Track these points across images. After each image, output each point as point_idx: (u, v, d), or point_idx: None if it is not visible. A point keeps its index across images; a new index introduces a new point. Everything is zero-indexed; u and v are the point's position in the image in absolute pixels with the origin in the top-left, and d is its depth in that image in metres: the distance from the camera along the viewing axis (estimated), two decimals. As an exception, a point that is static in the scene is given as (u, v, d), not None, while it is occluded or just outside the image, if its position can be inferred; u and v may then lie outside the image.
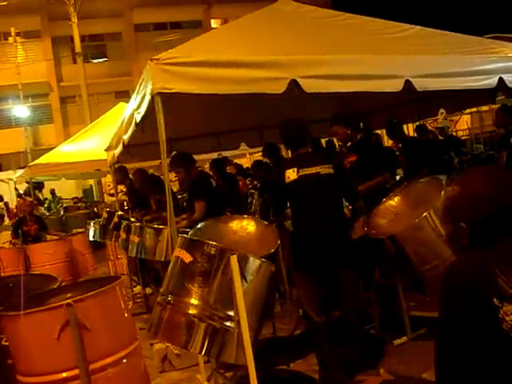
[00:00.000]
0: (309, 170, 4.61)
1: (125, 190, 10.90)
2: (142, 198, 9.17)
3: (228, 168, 11.29)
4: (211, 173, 9.41)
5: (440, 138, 12.28)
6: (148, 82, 4.70)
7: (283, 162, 4.92)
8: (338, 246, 4.58)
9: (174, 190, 7.38)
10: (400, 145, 8.49)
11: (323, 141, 10.19)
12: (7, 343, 3.48)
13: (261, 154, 9.36)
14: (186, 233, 5.13)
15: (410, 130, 14.82)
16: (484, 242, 1.72)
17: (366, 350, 4.76)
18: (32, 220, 11.25)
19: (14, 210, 18.67)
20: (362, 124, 6.93)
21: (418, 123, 10.56)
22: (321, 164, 4.66)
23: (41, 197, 20.94)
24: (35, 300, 3.70)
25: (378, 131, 10.27)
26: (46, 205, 21.10)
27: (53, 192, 22.16)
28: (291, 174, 4.62)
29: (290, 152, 5.09)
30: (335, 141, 9.31)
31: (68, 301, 3.26)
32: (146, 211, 8.92)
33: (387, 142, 11.87)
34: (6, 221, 18.36)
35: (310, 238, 4.60)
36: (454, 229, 1.80)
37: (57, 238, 11.59)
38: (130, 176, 9.92)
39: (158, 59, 4.57)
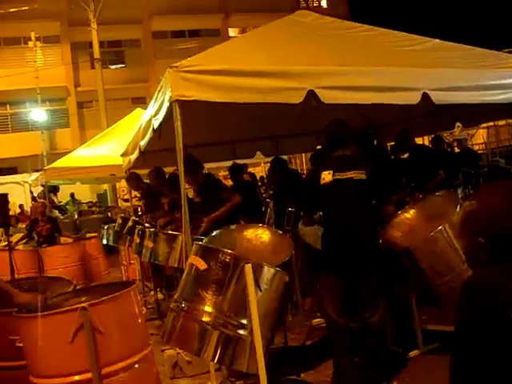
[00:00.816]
0: (343, 174, 4.66)
1: (139, 195, 10.94)
2: (157, 201, 9.19)
3: (244, 176, 11.30)
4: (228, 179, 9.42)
5: (457, 150, 12.22)
6: (167, 89, 4.74)
7: (322, 163, 4.98)
8: (364, 252, 4.62)
9: (190, 195, 7.39)
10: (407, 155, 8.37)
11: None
12: (21, 344, 3.50)
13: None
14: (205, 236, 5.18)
15: (425, 141, 14.80)
16: (503, 257, 1.72)
17: (382, 362, 4.75)
18: (44, 220, 11.35)
19: (28, 213, 18.82)
20: (375, 142, 6.92)
21: (429, 138, 10.51)
22: (354, 169, 4.69)
23: (55, 200, 21.07)
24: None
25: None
26: (62, 206, 21.23)
27: (72, 195, 22.33)
28: (326, 176, 4.69)
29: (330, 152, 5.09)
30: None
31: (83, 304, 3.28)
32: (159, 213, 8.92)
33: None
34: (20, 223, 18.46)
35: (338, 241, 4.67)
36: (472, 243, 1.80)
37: (70, 241, 11.67)
38: (145, 180, 9.95)
39: (178, 67, 4.62)
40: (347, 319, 4.69)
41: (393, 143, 8.69)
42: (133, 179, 9.72)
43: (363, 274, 4.62)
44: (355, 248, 4.57)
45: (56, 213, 19.64)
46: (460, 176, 8.59)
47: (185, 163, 6.76)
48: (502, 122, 17.85)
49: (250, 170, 16.50)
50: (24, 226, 15.81)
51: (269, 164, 9.22)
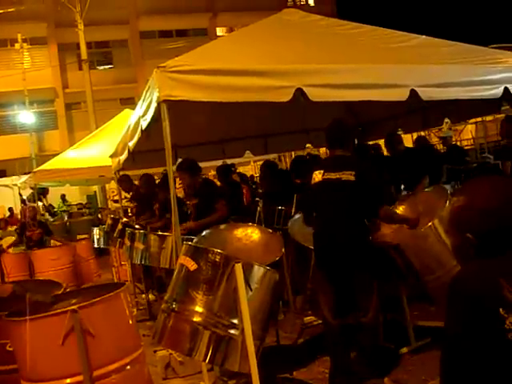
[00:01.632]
0: (332, 174, 4.71)
1: (129, 196, 10.93)
2: (149, 204, 9.20)
3: (233, 176, 11.29)
4: (216, 180, 9.43)
5: (443, 147, 12.26)
6: (154, 90, 4.72)
7: (318, 164, 5.06)
8: (352, 250, 4.63)
9: (180, 196, 7.41)
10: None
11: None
12: (12, 349, 3.48)
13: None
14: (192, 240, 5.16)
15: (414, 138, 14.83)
16: (490, 252, 1.72)
17: (375, 359, 4.76)
18: (35, 225, 11.29)
19: (18, 216, 18.73)
20: (356, 140, 6.95)
21: (417, 135, 10.55)
22: (344, 170, 4.70)
23: (45, 203, 21.00)
24: (40, 306, 3.70)
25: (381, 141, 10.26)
26: (53, 210, 21.17)
27: (63, 197, 22.26)
28: (317, 176, 4.79)
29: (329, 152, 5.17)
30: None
31: (73, 307, 3.27)
32: (151, 218, 8.93)
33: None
34: (9, 227, 18.40)
35: (327, 239, 4.72)
36: (460, 239, 1.80)
37: (60, 244, 11.63)
38: (136, 182, 9.95)
39: (165, 67, 4.59)
40: (341, 320, 4.70)
41: (382, 140, 8.71)
42: (124, 181, 9.73)
43: (353, 272, 4.62)
44: (342, 247, 4.59)
45: (46, 215, 19.59)
46: (444, 175, 8.61)
47: (187, 162, 6.84)
48: (489, 118, 17.91)
49: (240, 169, 16.51)
50: (13, 229, 15.75)
51: (258, 162, 9.24)
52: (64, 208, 21.75)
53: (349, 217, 4.68)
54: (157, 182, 9.89)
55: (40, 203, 20.15)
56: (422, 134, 12.25)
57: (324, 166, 4.86)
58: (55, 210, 21.42)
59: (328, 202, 4.73)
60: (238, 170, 16.12)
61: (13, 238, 13.18)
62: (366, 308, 4.70)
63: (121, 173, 9.46)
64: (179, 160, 7.02)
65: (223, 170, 9.75)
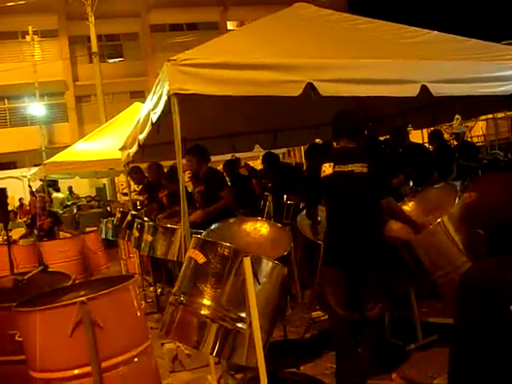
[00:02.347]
0: (344, 167, 4.63)
1: (138, 189, 10.95)
2: (157, 194, 9.24)
3: (240, 170, 11.32)
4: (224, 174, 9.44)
5: (455, 143, 12.20)
6: (165, 83, 4.72)
7: (324, 155, 4.95)
8: (366, 244, 4.61)
9: (189, 189, 7.42)
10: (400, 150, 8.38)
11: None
12: (21, 339, 3.50)
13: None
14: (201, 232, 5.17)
15: (424, 134, 14.76)
16: (501, 249, 1.71)
17: (381, 354, 4.76)
18: (45, 214, 11.38)
19: (27, 208, 18.82)
20: (366, 132, 6.92)
21: (432, 129, 10.49)
22: (356, 162, 4.65)
23: (55, 195, 21.09)
24: (49, 297, 3.73)
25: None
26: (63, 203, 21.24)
27: (70, 189, 22.34)
28: (327, 169, 4.66)
29: (334, 142, 5.11)
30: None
31: (82, 298, 3.28)
32: (159, 210, 8.97)
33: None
34: (19, 218, 18.48)
35: (340, 233, 4.66)
36: (471, 236, 1.80)
37: (69, 236, 11.69)
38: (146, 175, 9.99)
39: (176, 60, 4.59)
40: (350, 312, 4.68)
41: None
42: (135, 173, 9.74)
43: (365, 266, 4.61)
44: (355, 240, 4.56)
45: (55, 207, 19.66)
46: (454, 170, 8.57)
47: (197, 146, 6.86)
48: (501, 115, 17.83)
49: (250, 163, 16.51)
50: (23, 220, 15.84)
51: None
52: (72, 201, 21.82)
53: (363, 210, 4.65)
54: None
55: (56, 194, 20.26)
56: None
57: (334, 158, 4.73)
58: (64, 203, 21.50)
59: (341, 196, 4.66)
60: (248, 164, 16.17)
61: (23, 230, 13.28)
62: (373, 303, 4.69)
63: (130, 165, 9.48)
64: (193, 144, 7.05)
65: (230, 163, 9.77)
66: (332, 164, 4.67)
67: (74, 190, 22.78)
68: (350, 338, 4.65)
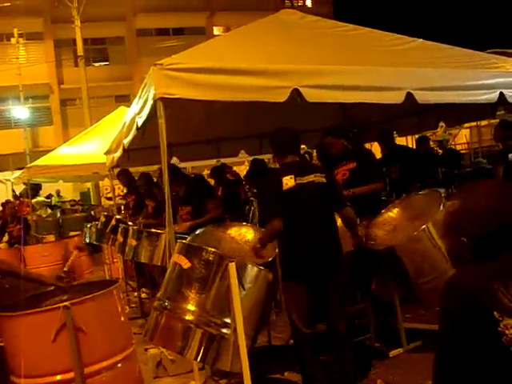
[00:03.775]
0: (305, 178, 4.56)
1: (122, 194, 10.91)
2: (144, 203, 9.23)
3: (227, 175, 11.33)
4: (211, 180, 9.45)
5: (439, 150, 12.31)
6: (150, 87, 4.71)
7: (279, 170, 4.83)
8: (331, 255, 4.54)
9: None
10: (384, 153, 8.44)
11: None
12: (2, 344, 3.46)
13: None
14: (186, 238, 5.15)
15: (408, 142, 14.85)
16: (485, 256, 1.73)
17: (359, 362, 4.75)
18: (14, 221, 11.31)
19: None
20: (351, 135, 6.97)
21: (418, 135, 10.56)
22: (315, 172, 4.64)
23: (34, 200, 20.97)
24: (32, 301, 3.69)
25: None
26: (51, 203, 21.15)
27: (58, 192, 22.22)
28: (289, 181, 4.54)
29: (277, 160, 5.01)
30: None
31: (65, 303, 3.26)
32: (147, 218, 8.94)
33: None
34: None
35: (304, 246, 4.49)
36: (455, 243, 1.81)
37: (53, 239, 11.63)
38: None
39: (162, 64, 4.59)
40: (312, 328, 4.62)
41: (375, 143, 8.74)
42: (124, 175, 9.69)
43: (329, 278, 4.51)
44: (322, 251, 4.49)
45: (42, 211, 19.54)
46: (439, 175, 8.66)
47: (172, 174, 6.82)
48: (484, 123, 17.93)
49: (234, 168, 16.50)
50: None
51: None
52: (59, 203, 21.74)
53: (326, 221, 4.61)
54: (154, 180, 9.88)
55: (35, 199, 20.10)
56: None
57: (293, 171, 4.60)
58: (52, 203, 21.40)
59: (306, 207, 4.53)
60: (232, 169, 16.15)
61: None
62: (340, 316, 4.60)
63: (115, 169, 9.44)
64: (174, 158, 7.02)
65: (217, 170, 9.76)
66: (293, 176, 4.54)
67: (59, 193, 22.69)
68: (313, 349, 4.55)
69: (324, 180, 4.62)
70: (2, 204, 21.35)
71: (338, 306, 4.59)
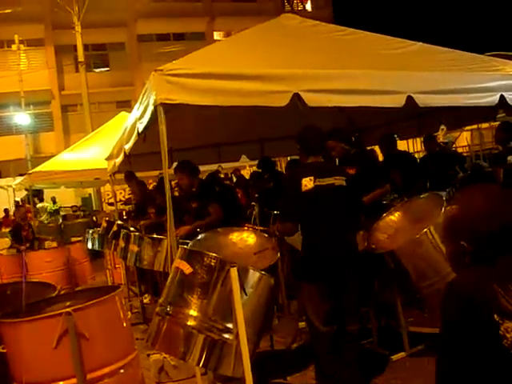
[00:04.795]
0: (325, 180, 4.55)
1: (123, 199, 10.92)
2: (144, 211, 9.22)
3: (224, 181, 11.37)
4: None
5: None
6: (151, 93, 4.73)
7: (297, 170, 4.84)
8: (350, 257, 4.57)
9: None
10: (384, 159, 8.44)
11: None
12: (5, 350, 3.46)
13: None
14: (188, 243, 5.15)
15: (410, 145, 14.84)
16: (485, 259, 1.73)
17: (363, 365, 4.74)
18: (27, 225, 11.42)
19: (12, 218, 18.70)
20: (353, 139, 6.98)
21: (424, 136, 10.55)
22: (335, 175, 4.64)
23: (40, 205, 21.03)
24: (34, 308, 3.70)
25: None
26: (46, 212, 21.17)
27: (53, 199, 22.25)
28: (308, 183, 4.52)
29: (300, 158, 5.01)
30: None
31: (67, 309, 3.26)
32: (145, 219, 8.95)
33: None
34: (3, 228, 18.38)
35: (323, 247, 4.52)
36: (455, 247, 1.81)
37: (55, 245, 11.64)
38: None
39: (162, 70, 4.60)
40: (331, 327, 4.64)
41: (377, 146, 8.74)
42: (129, 177, 9.68)
43: (347, 280, 4.55)
44: (341, 254, 4.53)
45: (41, 217, 19.56)
46: (456, 175, 8.69)
47: (185, 162, 6.85)
48: (485, 125, 17.92)
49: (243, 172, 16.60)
50: (7, 230, 15.73)
51: (254, 167, 9.29)
52: (55, 207, 21.80)
53: (346, 224, 4.64)
54: (152, 185, 9.89)
55: (40, 204, 20.16)
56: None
57: (313, 172, 4.59)
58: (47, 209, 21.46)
59: (326, 209, 4.54)
60: (235, 174, 16.22)
61: (7, 240, 13.20)
62: (355, 316, 4.66)
63: (118, 174, 9.45)
64: (175, 163, 7.03)
65: (212, 177, 9.80)
66: (312, 178, 4.53)
67: (59, 199, 22.66)
68: (329, 350, 4.57)
69: (344, 183, 4.63)
70: (5, 210, 21.51)
71: (354, 307, 4.64)
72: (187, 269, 3.66)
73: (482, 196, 1.84)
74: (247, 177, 20.31)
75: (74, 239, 13.64)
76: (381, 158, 8.60)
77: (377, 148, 8.86)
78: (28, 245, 11.16)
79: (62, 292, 4.60)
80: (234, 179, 16.40)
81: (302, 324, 6.35)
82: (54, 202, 22.34)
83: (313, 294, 4.60)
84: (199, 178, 7.02)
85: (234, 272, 3.51)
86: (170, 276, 3.89)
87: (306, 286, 4.68)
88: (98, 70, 32.21)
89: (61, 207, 22.60)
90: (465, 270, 1.78)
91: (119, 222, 8.88)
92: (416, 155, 12.27)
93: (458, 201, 1.90)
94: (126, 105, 25.11)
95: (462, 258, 1.79)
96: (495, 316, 1.58)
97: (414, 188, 7.16)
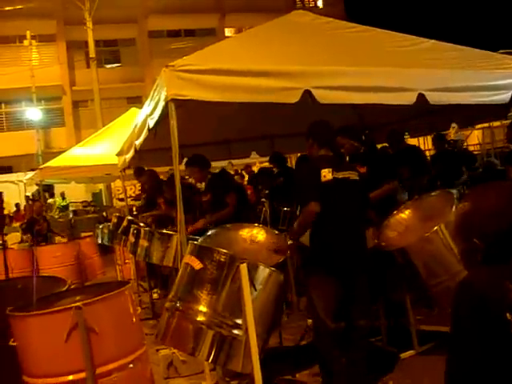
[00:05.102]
0: (342, 173, 4.55)
1: (134, 195, 10.94)
2: (154, 200, 9.23)
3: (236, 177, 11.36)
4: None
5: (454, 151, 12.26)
6: (162, 88, 4.73)
7: (314, 161, 4.79)
8: (361, 252, 4.58)
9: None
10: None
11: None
12: (15, 344, 3.48)
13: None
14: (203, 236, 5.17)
15: (420, 143, 14.79)
16: (496, 257, 1.72)
17: (372, 363, 4.73)
18: (41, 219, 11.47)
19: (23, 213, 18.78)
20: (364, 137, 6.96)
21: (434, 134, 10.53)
22: (350, 169, 4.67)
23: (51, 200, 21.13)
24: (44, 302, 3.71)
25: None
26: (55, 207, 21.28)
27: (62, 195, 22.35)
28: (327, 174, 4.47)
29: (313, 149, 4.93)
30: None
31: (77, 304, 3.27)
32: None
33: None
34: (14, 223, 18.46)
35: (344, 242, 4.48)
36: (467, 245, 1.80)
37: (65, 240, 11.69)
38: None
39: (173, 66, 4.60)
40: (339, 323, 4.62)
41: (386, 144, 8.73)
42: (138, 172, 9.70)
43: (360, 275, 4.53)
44: (355, 248, 4.53)
45: (51, 212, 19.65)
46: (464, 173, 8.67)
47: (197, 156, 6.86)
48: (496, 123, 17.83)
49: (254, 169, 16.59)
50: (18, 225, 15.81)
51: (264, 164, 9.28)
52: (64, 203, 21.93)
53: (360, 219, 4.66)
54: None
55: (50, 200, 20.25)
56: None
57: (330, 164, 4.54)
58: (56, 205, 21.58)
59: (343, 203, 4.51)
60: (246, 170, 16.21)
61: (18, 235, 13.27)
62: (365, 311, 4.65)
63: (128, 170, 9.47)
64: (185, 159, 7.03)
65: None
66: (331, 170, 4.49)
67: (69, 195, 22.76)
68: (336, 346, 4.52)
69: (357, 178, 4.66)
70: (16, 205, 21.64)
71: (363, 303, 4.62)
72: (197, 264, 3.67)
73: (494, 194, 1.83)
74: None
75: (84, 234, 13.69)
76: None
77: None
78: (41, 239, 11.22)
79: (72, 286, 4.63)
80: (246, 176, 16.40)
81: (310, 321, 6.35)
82: (63, 198, 22.44)
83: (324, 287, 4.54)
84: (210, 172, 7.02)
85: (243, 268, 3.52)
86: (180, 272, 3.90)
87: (316, 280, 4.63)
88: (108, 66, 32.29)
89: (70, 203, 22.69)
90: (476, 267, 1.77)
91: (129, 218, 8.90)
92: (427, 153, 12.22)
93: (470, 198, 1.90)
94: (137, 101, 25.14)
95: (473, 255, 1.78)
96: (507, 314, 1.58)
97: (420, 181, 7.15)
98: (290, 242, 4.81)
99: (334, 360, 4.52)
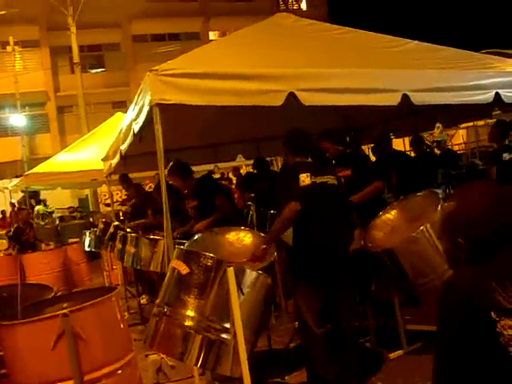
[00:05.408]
0: (321, 178, 4.60)
1: (120, 200, 10.91)
2: (143, 212, 9.21)
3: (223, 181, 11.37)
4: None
5: (437, 151, 12.31)
6: (146, 93, 4.72)
7: (293, 166, 4.82)
8: (344, 256, 4.59)
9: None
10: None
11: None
12: (1, 353, 3.45)
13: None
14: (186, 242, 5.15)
15: (406, 143, 14.84)
16: (482, 257, 1.73)
17: (361, 363, 4.74)
18: (28, 228, 11.36)
19: (9, 220, 18.66)
20: (348, 138, 6.98)
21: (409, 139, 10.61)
22: (329, 174, 4.71)
23: (38, 207, 21.00)
24: (31, 310, 3.68)
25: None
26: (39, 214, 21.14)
27: (44, 202, 22.18)
28: (306, 179, 4.52)
29: (288, 158, 5.00)
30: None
31: (64, 311, 3.25)
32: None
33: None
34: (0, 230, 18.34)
35: (324, 247, 4.49)
36: (451, 245, 1.81)
37: (51, 247, 11.60)
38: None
39: (157, 70, 4.59)
40: (326, 327, 4.63)
41: (372, 145, 8.75)
42: (123, 179, 9.67)
43: (343, 279, 4.56)
44: (338, 250, 4.54)
45: (37, 219, 19.52)
46: (439, 177, 8.68)
47: (174, 167, 6.83)
48: (481, 123, 17.98)
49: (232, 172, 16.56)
50: (4, 232, 15.71)
51: (250, 167, 9.29)
52: (49, 210, 21.78)
53: (343, 221, 4.67)
54: (148, 185, 9.88)
55: (38, 207, 20.11)
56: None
57: (308, 169, 4.59)
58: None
59: (323, 206, 4.56)
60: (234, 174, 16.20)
61: (4, 242, 13.16)
62: (350, 314, 4.68)
63: (112, 176, 9.43)
64: (171, 164, 7.01)
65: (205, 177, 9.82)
66: (309, 174, 4.54)
67: (55, 201, 22.61)
68: (326, 352, 4.53)
69: (336, 182, 4.70)
70: (2, 212, 21.48)
71: (347, 306, 4.66)
72: (184, 269, 3.66)
73: (478, 193, 1.84)
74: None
75: (70, 240, 13.61)
76: (372, 158, 8.58)
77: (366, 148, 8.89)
78: (28, 247, 11.12)
79: (59, 294, 4.59)
80: (234, 179, 16.38)
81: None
82: (45, 205, 22.24)
83: (308, 293, 4.58)
84: (194, 178, 7.00)
85: (230, 272, 3.51)
86: (167, 276, 3.89)
87: (302, 284, 4.66)
88: (93, 71, 32.18)
89: (56, 209, 22.55)
90: (461, 267, 1.78)
91: (116, 223, 8.87)
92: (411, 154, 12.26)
93: (456, 198, 1.91)
94: (122, 105, 25.05)
95: (458, 255, 1.79)
96: (492, 313, 1.58)
97: (409, 188, 7.16)
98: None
99: (323, 364, 4.52)
